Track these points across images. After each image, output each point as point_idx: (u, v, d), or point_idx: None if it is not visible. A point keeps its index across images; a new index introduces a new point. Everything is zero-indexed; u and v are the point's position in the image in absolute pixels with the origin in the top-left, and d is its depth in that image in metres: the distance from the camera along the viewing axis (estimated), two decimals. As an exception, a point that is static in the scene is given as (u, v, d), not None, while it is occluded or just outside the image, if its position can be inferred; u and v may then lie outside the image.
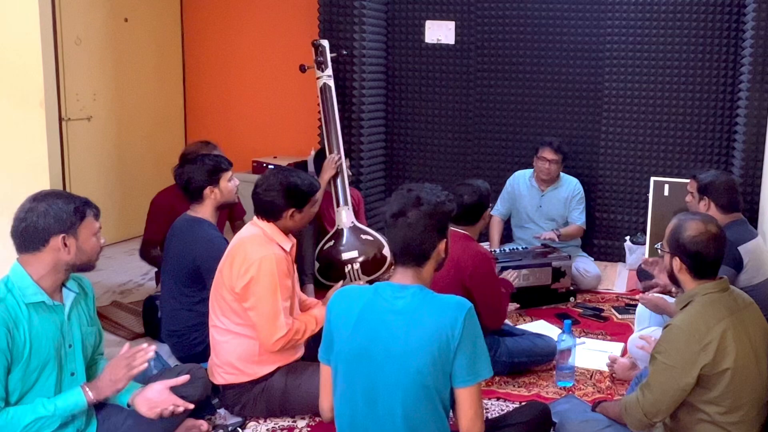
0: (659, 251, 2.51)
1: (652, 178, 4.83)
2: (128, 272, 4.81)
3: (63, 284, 2.37)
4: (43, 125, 3.08)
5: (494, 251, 4.41)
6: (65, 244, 2.29)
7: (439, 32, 5.39)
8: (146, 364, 2.38)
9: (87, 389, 2.31)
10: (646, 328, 3.38)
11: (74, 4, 5.16)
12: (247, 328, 2.87)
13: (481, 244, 4.64)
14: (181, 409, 2.47)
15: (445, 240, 2.16)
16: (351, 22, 5.05)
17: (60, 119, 4.92)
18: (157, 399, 2.43)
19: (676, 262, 2.35)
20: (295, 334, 2.88)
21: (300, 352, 3.00)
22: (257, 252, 2.84)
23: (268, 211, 2.94)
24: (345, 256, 4.47)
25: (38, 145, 3.08)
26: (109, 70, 5.53)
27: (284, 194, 2.92)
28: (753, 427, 2.28)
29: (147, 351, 2.38)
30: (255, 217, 3.00)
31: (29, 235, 2.26)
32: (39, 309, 2.29)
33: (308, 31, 5.32)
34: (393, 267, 2.17)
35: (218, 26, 6.14)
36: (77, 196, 2.41)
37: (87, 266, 2.41)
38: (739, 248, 3.12)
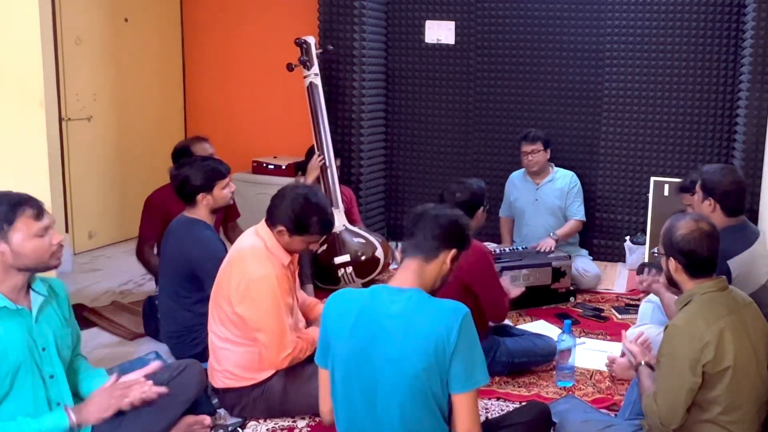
0: (656, 255, 2.50)
1: (652, 178, 4.83)
2: (128, 272, 4.81)
3: (29, 287, 2.31)
4: (43, 125, 3.07)
5: (495, 251, 4.40)
6: None
7: (439, 32, 5.39)
8: (140, 399, 2.39)
9: (70, 412, 2.29)
10: (644, 324, 3.36)
11: (74, 4, 5.16)
12: (247, 339, 2.85)
13: (486, 243, 4.68)
14: (151, 394, 2.43)
15: (452, 252, 2.17)
16: (351, 22, 5.05)
17: (60, 119, 4.93)
18: (105, 404, 2.37)
19: (672, 263, 2.36)
20: (299, 352, 2.86)
21: (299, 356, 3.00)
22: (258, 270, 2.78)
23: (278, 223, 2.84)
24: (338, 260, 4.44)
25: (38, 145, 3.07)
26: (109, 70, 5.53)
27: (294, 221, 2.81)
28: (752, 427, 2.28)
29: (144, 385, 2.42)
30: (259, 225, 2.93)
31: None
32: (2, 314, 2.23)
33: (308, 31, 5.32)
34: (392, 266, 2.18)
35: (218, 26, 6.14)
36: (11, 195, 2.27)
37: (38, 268, 2.29)
38: (728, 261, 2.92)
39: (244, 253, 2.85)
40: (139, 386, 2.42)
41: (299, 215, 2.81)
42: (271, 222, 2.87)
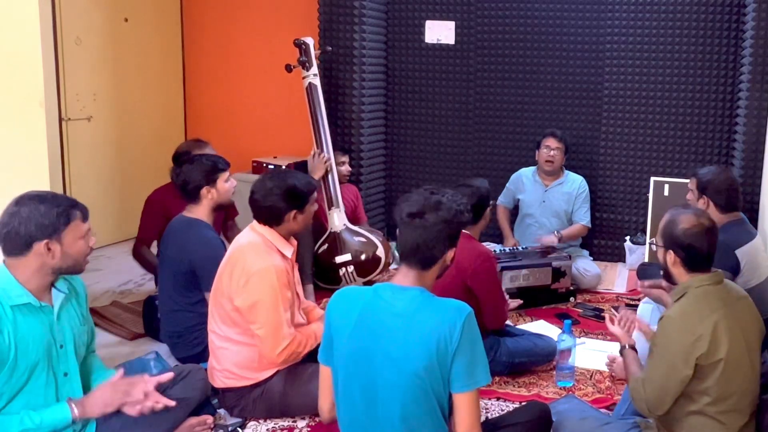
0: (653, 246, 2.53)
1: (652, 178, 4.83)
2: (128, 272, 4.81)
3: (52, 284, 2.34)
4: (43, 125, 3.08)
5: (495, 250, 4.40)
6: (49, 249, 2.24)
7: (439, 32, 5.39)
8: (149, 409, 2.39)
9: (73, 405, 2.29)
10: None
11: (74, 4, 5.16)
12: (246, 336, 2.85)
13: (486, 243, 4.68)
14: (160, 405, 2.43)
15: (453, 249, 2.14)
16: (351, 22, 5.05)
17: (60, 119, 4.92)
18: (108, 399, 2.38)
19: (670, 256, 2.38)
20: (297, 346, 2.85)
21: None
22: (257, 263, 2.79)
23: (268, 216, 2.90)
24: (339, 259, 4.44)
25: (38, 145, 3.08)
26: (109, 70, 5.53)
27: (284, 197, 2.87)
28: (743, 417, 2.30)
29: (145, 383, 2.41)
30: (254, 222, 2.96)
31: (12, 240, 2.23)
32: (25, 310, 2.26)
33: (308, 31, 5.32)
34: (392, 266, 2.16)
35: (218, 26, 6.14)
36: (63, 197, 2.35)
37: (74, 269, 2.36)
38: (736, 252, 3.11)
39: (243, 248, 2.87)
40: (142, 385, 2.42)
41: (297, 191, 2.90)
42: (277, 221, 2.89)
